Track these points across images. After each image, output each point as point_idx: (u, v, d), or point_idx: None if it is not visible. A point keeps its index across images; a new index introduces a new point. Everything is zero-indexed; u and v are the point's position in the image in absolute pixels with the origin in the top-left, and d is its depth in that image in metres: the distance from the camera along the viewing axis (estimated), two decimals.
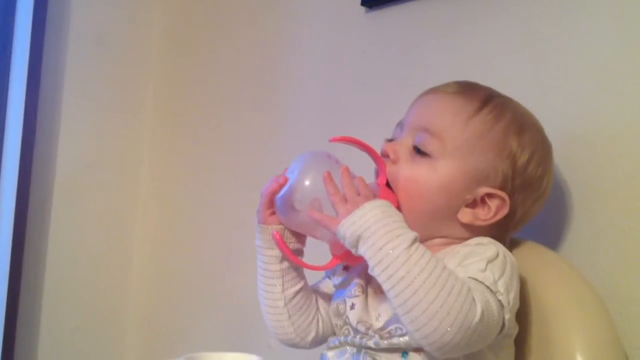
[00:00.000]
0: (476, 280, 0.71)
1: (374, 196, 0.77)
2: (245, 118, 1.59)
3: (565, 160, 0.93)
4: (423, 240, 0.74)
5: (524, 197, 0.82)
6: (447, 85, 0.86)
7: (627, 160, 0.88)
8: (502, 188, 0.80)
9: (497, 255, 0.75)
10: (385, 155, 0.83)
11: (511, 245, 0.87)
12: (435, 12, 1.16)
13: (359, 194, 0.76)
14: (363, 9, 1.28)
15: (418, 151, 0.81)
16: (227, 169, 1.63)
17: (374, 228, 0.71)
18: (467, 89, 0.84)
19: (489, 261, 0.74)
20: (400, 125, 0.86)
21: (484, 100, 0.83)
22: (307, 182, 0.80)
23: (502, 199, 0.80)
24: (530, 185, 0.82)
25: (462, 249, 0.77)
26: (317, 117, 1.39)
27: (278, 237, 0.83)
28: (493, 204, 0.80)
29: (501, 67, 1.05)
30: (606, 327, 0.78)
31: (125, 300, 1.81)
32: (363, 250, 0.72)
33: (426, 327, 0.67)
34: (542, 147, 0.84)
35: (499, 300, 0.71)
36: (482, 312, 0.68)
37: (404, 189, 0.81)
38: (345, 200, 0.76)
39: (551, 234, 0.94)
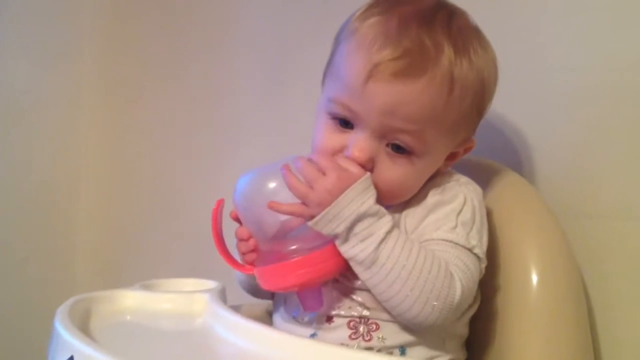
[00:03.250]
0: (450, 242, 0.71)
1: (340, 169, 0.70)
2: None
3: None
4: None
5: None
6: (393, 58, 0.69)
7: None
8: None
9: (465, 202, 0.74)
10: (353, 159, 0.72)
11: (468, 164, 0.87)
12: None
13: (324, 174, 0.70)
14: None
15: (396, 149, 0.73)
16: (175, 94, 1.59)
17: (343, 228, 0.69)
18: (421, 57, 0.69)
19: (458, 213, 0.73)
20: (345, 113, 0.74)
21: (452, 55, 0.70)
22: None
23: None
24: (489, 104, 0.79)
25: (430, 198, 0.75)
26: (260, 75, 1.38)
27: (219, 205, 0.76)
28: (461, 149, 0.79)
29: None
30: (559, 239, 0.80)
31: (76, 227, 1.78)
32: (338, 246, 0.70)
33: (407, 314, 0.68)
34: (492, 58, 0.77)
35: (475, 254, 0.72)
36: (462, 288, 0.69)
37: (386, 190, 0.72)
38: (311, 187, 0.69)
39: (505, 150, 0.94)
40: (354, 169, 0.71)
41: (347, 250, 0.69)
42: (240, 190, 0.74)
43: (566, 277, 0.78)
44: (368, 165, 0.72)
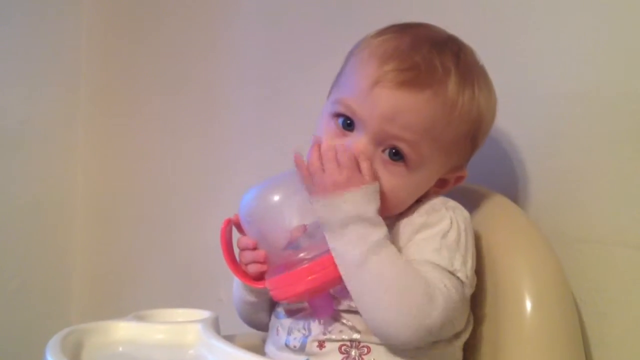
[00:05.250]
0: (432, 263, 0.71)
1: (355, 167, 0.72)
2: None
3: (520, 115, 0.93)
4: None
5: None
6: (402, 69, 0.73)
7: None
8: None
9: (451, 225, 0.74)
10: None
11: (459, 190, 0.88)
12: None
13: (341, 167, 0.72)
14: None
15: (392, 156, 0.75)
16: (169, 119, 1.59)
17: (337, 225, 0.70)
18: (428, 73, 0.73)
19: (443, 236, 0.73)
20: (348, 113, 0.76)
21: (457, 82, 0.74)
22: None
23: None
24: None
25: (417, 218, 0.76)
26: (255, 85, 1.39)
27: (228, 224, 0.78)
28: (452, 177, 0.80)
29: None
30: (552, 264, 0.80)
31: (70, 257, 1.77)
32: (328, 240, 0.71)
33: (380, 326, 0.68)
34: (493, 97, 0.81)
35: (458, 277, 0.72)
36: (439, 310, 0.68)
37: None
38: (322, 170, 0.72)
39: (497, 176, 0.94)
40: (368, 175, 0.72)
41: (336, 247, 0.70)
42: (246, 205, 0.75)
43: (560, 302, 0.78)
44: None
